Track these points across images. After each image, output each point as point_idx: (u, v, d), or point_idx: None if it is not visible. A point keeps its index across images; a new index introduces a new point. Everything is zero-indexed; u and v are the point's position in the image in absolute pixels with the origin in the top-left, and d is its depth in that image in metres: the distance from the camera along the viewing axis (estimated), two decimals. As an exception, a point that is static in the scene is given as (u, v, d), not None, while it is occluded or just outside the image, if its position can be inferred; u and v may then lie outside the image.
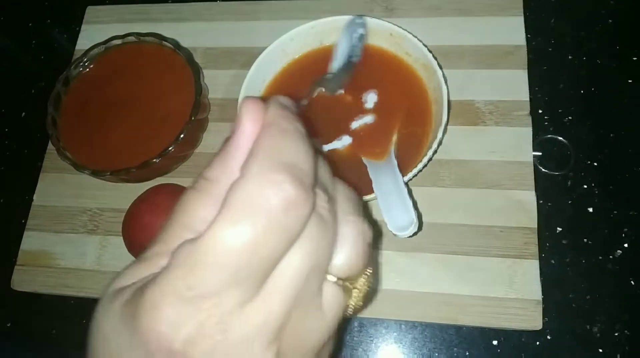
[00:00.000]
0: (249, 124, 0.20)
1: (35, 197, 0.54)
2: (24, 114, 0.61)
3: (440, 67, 0.45)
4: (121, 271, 0.21)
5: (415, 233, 0.36)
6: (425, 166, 0.42)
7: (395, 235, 0.36)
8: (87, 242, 0.51)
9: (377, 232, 0.46)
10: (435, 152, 0.43)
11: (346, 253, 0.21)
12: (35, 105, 0.61)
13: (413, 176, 0.42)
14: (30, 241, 0.52)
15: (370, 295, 0.22)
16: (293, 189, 0.18)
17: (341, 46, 0.47)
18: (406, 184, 0.40)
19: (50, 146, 0.56)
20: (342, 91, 0.49)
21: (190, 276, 0.18)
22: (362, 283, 0.23)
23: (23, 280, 0.51)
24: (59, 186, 0.54)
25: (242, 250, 0.18)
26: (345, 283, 0.22)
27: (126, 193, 0.49)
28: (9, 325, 0.52)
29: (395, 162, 0.41)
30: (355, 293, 0.22)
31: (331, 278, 0.21)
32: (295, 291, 0.19)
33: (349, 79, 0.47)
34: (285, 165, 0.19)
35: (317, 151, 0.21)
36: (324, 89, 0.48)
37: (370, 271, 0.23)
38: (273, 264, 0.19)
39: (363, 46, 0.47)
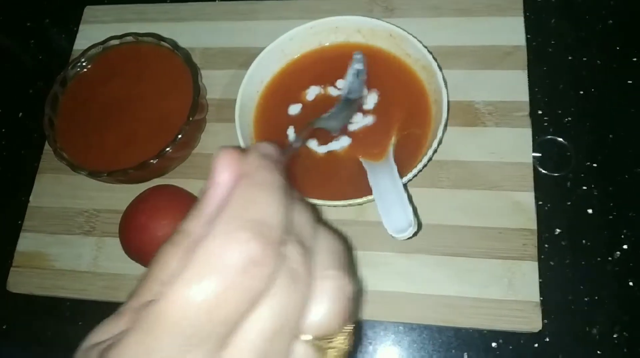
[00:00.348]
0: (222, 176, 0.20)
1: (31, 198, 0.54)
2: (21, 114, 0.61)
3: (440, 69, 0.45)
4: (99, 325, 0.20)
5: (414, 235, 0.36)
6: (424, 166, 0.42)
7: (393, 237, 0.36)
8: (83, 243, 0.51)
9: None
10: (435, 152, 0.42)
11: (322, 310, 0.20)
12: (33, 105, 0.61)
13: (413, 177, 0.42)
14: (26, 242, 0.52)
15: (349, 354, 0.21)
16: (257, 246, 0.18)
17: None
18: (405, 185, 0.39)
19: (47, 146, 0.55)
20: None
21: (149, 340, 0.17)
22: (340, 341, 0.21)
23: (19, 282, 0.51)
24: (56, 187, 0.54)
25: (201, 310, 0.17)
26: (322, 341, 0.20)
27: (123, 194, 0.49)
28: (4, 327, 0.52)
29: (394, 163, 0.41)
30: (332, 352, 0.21)
31: (305, 336, 0.20)
32: (260, 352, 0.18)
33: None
34: (252, 222, 0.18)
35: (297, 201, 0.21)
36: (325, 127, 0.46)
37: (351, 328, 0.22)
38: (235, 324, 0.18)
39: (363, 82, 0.46)
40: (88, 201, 0.52)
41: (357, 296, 0.23)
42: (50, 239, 0.52)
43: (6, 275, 0.51)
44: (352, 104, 0.46)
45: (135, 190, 0.47)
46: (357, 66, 0.46)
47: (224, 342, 0.18)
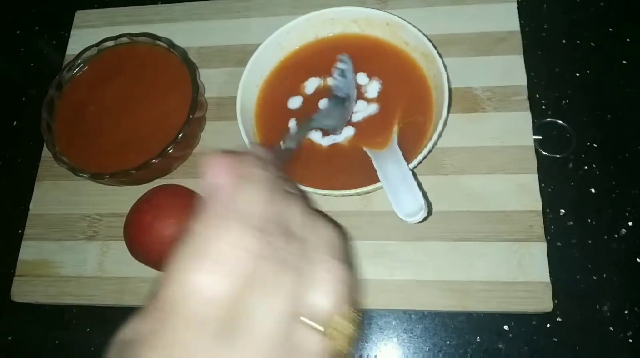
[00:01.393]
0: (220, 178, 0.22)
1: (31, 206, 0.53)
2: (15, 122, 0.60)
3: (440, 56, 0.45)
4: (126, 323, 0.22)
5: (425, 218, 0.36)
6: (429, 152, 0.42)
7: (404, 221, 0.36)
8: (87, 249, 0.50)
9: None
10: (439, 137, 0.42)
11: (318, 294, 0.22)
12: (27, 113, 0.60)
13: (417, 164, 0.42)
14: (29, 251, 0.51)
15: (355, 338, 0.21)
16: (242, 234, 0.20)
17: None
18: (412, 170, 0.39)
19: (44, 153, 0.55)
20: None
21: (172, 333, 0.19)
22: (343, 325, 0.22)
23: (23, 291, 0.50)
24: (56, 194, 0.53)
25: (207, 299, 0.19)
26: (323, 325, 0.21)
27: (125, 197, 0.49)
28: (9, 338, 0.51)
29: (398, 148, 0.41)
30: (337, 337, 0.22)
31: (307, 321, 0.21)
32: (265, 335, 0.20)
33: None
34: (237, 213, 0.21)
35: (290, 195, 0.23)
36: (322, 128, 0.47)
37: (354, 314, 0.23)
38: (237, 309, 0.20)
39: (351, 81, 0.47)
40: (90, 206, 0.52)
41: (353, 282, 0.23)
42: (53, 246, 0.51)
43: (8, 286, 0.50)
44: (343, 102, 0.46)
45: (136, 192, 0.46)
46: (341, 65, 0.46)
47: (233, 327, 0.19)
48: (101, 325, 0.50)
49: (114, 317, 0.50)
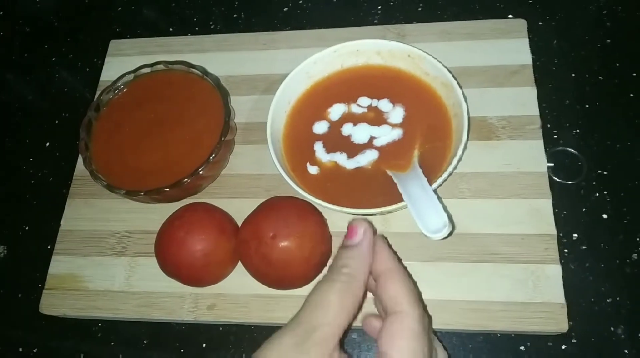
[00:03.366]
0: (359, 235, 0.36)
1: (62, 222, 0.55)
2: (48, 144, 0.63)
3: (460, 86, 0.48)
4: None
5: (449, 234, 0.38)
6: (449, 175, 0.44)
7: (430, 238, 0.37)
8: (115, 264, 0.52)
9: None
10: (460, 160, 0.45)
11: None
12: (59, 135, 0.63)
13: (437, 187, 0.44)
14: (58, 265, 0.53)
15: None
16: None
17: None
18: (434, 190, 0.41)
19: (77, 172, 0.57)
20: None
21: None
22: None
23: (51, 304, 0.51)
24: (86, 211, 0.55)
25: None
26: None
27: (153, 215, 0.51)
28: (35, 350, 0.52)
29: (420, 170, 0.43)
30: None
31: None
32: None
33: None
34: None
35: None
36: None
37: None
38: None
39: None
40: (119, 223, 0.54)
41: None
42: (82, 261, 0.53)
43: (37, 300, 0.52)
44: None
45: (165, 211, 0.48)
46: None
47: None
48: (126, 339, 0.51)
49: (138, 332, 0.51)
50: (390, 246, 0.38)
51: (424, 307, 0.34)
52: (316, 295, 0.33)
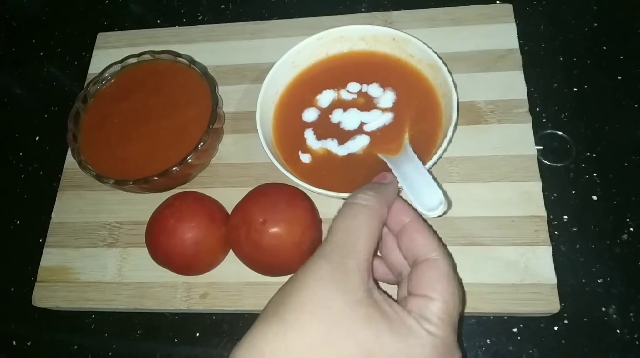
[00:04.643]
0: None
1: (53, 215, 0.55)
2: (37, 137, 0.63)
3: (445, 64, 0.48)
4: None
5: (446, 212, 0.38)
6: (439, 158, 0.45)
7: (427, 215, 0.37)
8: (107, 255, 0.52)
9: None
10: (450, 141, 0.45)
11: None
12: (49, 128, 0.63)
13: (431, 167, 0.44)
14: (50, 257, 0.53)
15: None
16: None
17: None
18: (428, 170, 0.41)
19: (67, 164, 0.57)
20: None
21: None
22: None
23: (44, 296, 0.51)
24: (77, 203, 0.55)
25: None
26: None
27: (144, 206, 0.51)
28: (29, 343, 0.52)
29: (412, 151, 0.43)
30: None
31: None
32: None
33: None
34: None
35: None
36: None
37: None
38: None
39: None
40: (110, 215, 0.54)
41: None
42: (74, 253, 0.52)
43: (28, 294, 0.52)
44: None
45: (155, 202, 0.48)
46: None
47: None
48: (119, 330, 0.51)
49: (131, 322, 0.51)
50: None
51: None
52: (346, 219, 0.33)
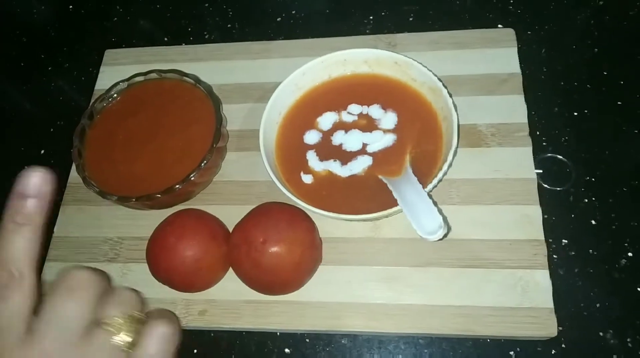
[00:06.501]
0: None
1: (55, 229, 0.55)
2: (42, 151, 0.63)
3: (445, 87, 0.49)
4: None
5: (445, 236, 0.38)
6: (439, 181, 0.45)
7: (426, 239, 0.38)
8: (108, 270, 0.51)
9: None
10: (450, 165, 0.45)
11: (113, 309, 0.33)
12: (54, 143, 0.64)
13: (430, 190, 0.45)
14: (51, 272, 0.53)
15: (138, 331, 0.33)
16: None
17: None
18: (428, 193, 0.42)
19: (70, 179, 0.58)
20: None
21: None
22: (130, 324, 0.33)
23: (44, 310, 0.51)
24: (79, 218, 0.56)
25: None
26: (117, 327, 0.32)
27: (146, 222, 0.51)
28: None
29: (413, 175, 0.44)
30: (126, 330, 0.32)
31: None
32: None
33: None
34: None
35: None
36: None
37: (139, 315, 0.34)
38: None
39: None
40: (112, 230, 0.54)
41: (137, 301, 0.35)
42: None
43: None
44: None
45: (157, 218, 0.49)
46: None
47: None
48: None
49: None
50: None
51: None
52: None
